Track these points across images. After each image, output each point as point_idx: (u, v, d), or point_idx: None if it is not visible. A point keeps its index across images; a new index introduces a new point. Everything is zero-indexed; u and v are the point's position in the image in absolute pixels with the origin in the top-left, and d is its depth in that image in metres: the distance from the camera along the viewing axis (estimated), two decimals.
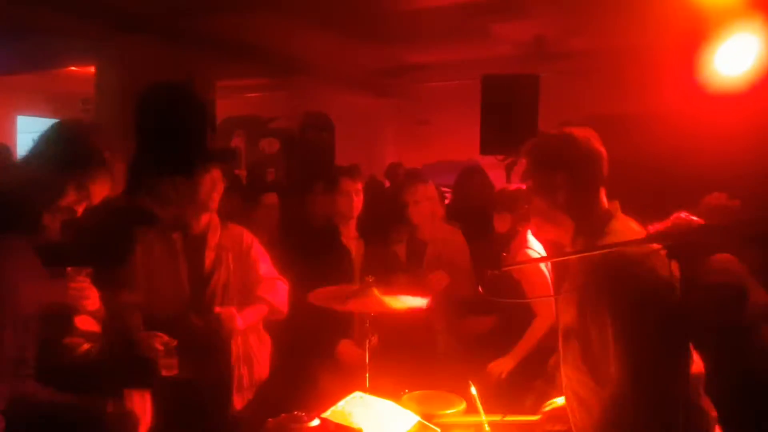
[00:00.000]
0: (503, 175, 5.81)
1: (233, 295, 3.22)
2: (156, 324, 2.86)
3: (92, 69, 7.75)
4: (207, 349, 3.06)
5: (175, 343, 2.74)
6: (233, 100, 10.41)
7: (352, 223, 3.75)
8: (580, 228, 2.03)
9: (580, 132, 2.07)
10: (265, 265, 3.37)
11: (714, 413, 1.96)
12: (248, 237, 3.39)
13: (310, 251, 3.66)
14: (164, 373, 2.70)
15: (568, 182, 2.02)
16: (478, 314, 3.93)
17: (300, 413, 2.24)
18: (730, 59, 4.66)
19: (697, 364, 1.96)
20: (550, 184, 2.05)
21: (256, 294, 3.26)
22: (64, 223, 2.21)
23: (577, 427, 2.04)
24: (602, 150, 2.05)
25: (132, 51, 6.89)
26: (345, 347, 3.52)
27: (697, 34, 4.84)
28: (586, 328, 1.88)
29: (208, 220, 3.24)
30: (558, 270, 3.30)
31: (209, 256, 3.21)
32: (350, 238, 3.74)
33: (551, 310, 3.18)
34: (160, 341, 2.72)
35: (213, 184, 3.19)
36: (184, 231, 3.21)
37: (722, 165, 4.17)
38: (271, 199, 4.82)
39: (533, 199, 2.12)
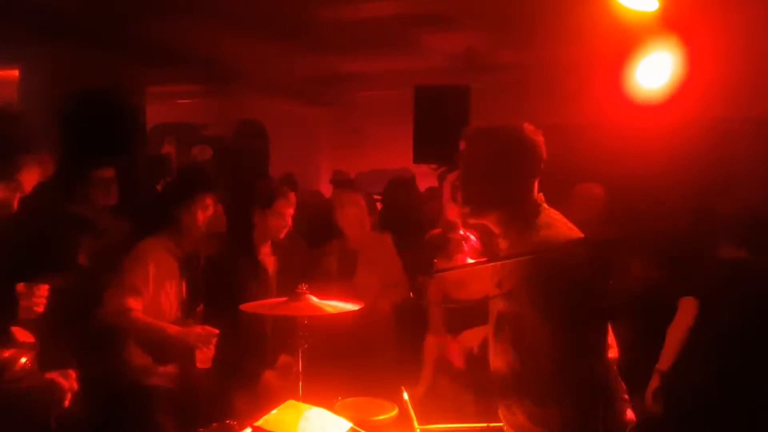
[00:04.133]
0: (435, 184, 5.88)
1: None
2: None
3: (16, 73, 7.48)
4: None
5: None
6: (164, 106, 10.20)
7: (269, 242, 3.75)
8: (512, 218, 2.09)
9: (528, 126, 2.12)
10: None
11: (627, 396, 2.11)
12: None
13: (227, 268, 3.63)
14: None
15: (511, 171, 2.07)
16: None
17: (232, 422, 2.24)
18: (650, 73, 4.92)
19: (614, 350, 2.11)
20: (492, 171, 2.08)
21: None
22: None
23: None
24: (542, 143, 2.12)
25: (58, 55, 6.68)
26: (268, 377, 3.54)
27: (619, 49, 5.07)
28: (522, 316, 1.98)
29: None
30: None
31: None
32: (266, 254, 3.75)
33: None
34: None
35: None
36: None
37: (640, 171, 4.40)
38: None
39: (468, 185, 2.14)
